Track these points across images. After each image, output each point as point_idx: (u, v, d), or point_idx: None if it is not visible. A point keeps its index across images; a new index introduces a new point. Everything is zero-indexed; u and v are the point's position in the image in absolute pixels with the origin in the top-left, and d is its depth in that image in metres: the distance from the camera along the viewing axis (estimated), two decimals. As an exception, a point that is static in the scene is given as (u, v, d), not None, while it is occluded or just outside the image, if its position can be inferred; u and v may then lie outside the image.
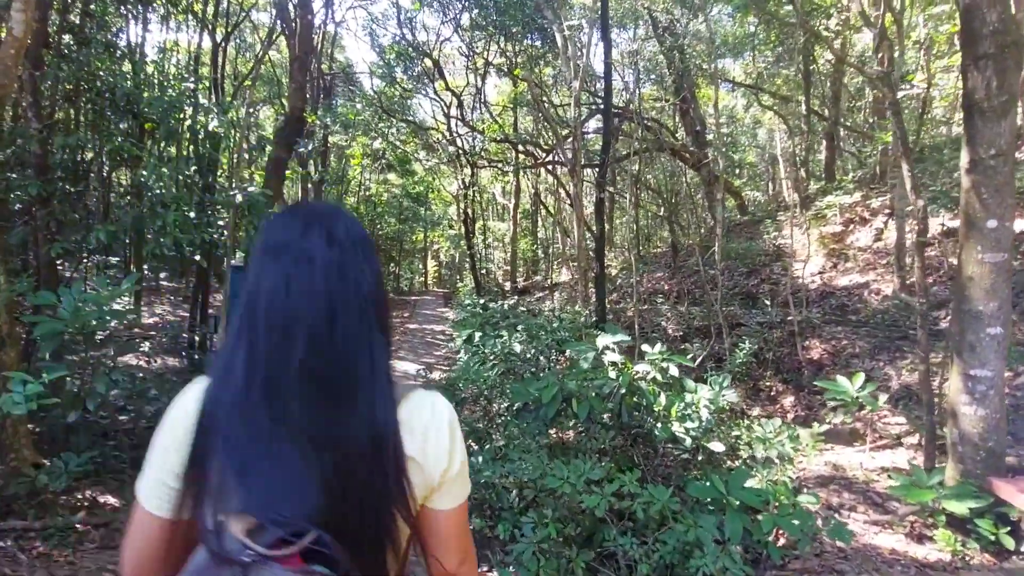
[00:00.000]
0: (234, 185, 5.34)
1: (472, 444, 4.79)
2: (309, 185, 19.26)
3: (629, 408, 3.61)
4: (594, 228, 8.24)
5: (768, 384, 6.55)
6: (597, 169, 10.33)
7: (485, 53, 16.95)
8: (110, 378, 4.02)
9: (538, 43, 15.96)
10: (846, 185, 9.48)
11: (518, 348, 4.97)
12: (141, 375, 7.46)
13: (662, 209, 19.07)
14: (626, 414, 3.59)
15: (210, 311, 10.87)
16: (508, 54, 16.83)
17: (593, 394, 3.73)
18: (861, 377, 4.19)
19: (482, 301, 8.18)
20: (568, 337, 5.55)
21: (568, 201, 20.57)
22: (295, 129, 6.72)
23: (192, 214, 5.20)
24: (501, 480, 3.35)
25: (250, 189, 5.46)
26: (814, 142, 17.41)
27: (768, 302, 7.41)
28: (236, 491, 0.61)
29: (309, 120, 7.44)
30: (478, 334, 5.39)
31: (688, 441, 3.45)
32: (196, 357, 7.37)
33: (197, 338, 7.96)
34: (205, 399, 0.69)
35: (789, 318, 6.98)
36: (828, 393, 4.32)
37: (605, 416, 3.79)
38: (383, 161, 25.37)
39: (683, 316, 9.04)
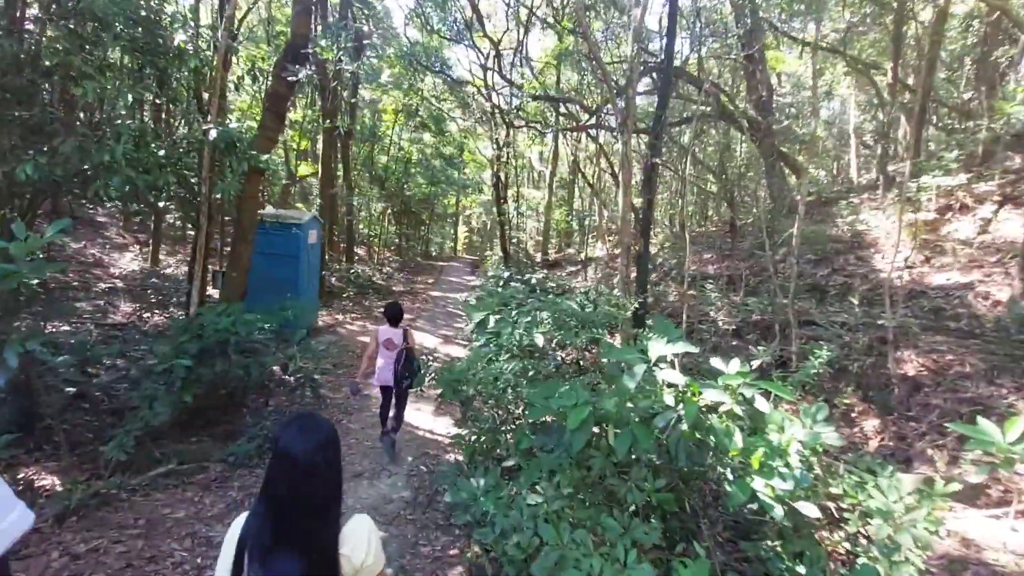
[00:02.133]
0: (208, 120, 4.35)
1: (477, 461, 3.84)
2: (337, 143, 18.31)
3: (689, 450, 2.54)
4: (640, 199, 7.01)
5: (846, 402, 5.34)
6: (648, 133, 9.04)
7: (530, 1, 15.43)
8: (23, 347, 3.19)
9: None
10: (947, 164, 7.88)
11: (540, 341, 3.94)
12: (97, 337, 6.76)
13: (710, 185, 17.47)
14: (684, 457, 2.52)
15: (210, 266, 10.13)
16: (555, 3, 15.29)
17: (637, 420, 2.67)
18: (1019, 425, 2.98)
19: (505, 275, 7.12)
20: (602, 330, 4.47)
21: (609, 170, 19.07)
22: (297, 59, 5.68)
23: (160, 152, 4.25)
24: (500, 546, 2.36)
25: (232, 125, 4.45)
26: (898, 117, 15.32)
27: (855, 300, 6.12)
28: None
29: (321, 53, 6.35)
30: (494, 318, 4.37)
31: (776, 508, 2.37)
32: (186, 314, 6.64)
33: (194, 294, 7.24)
34: (244, 527, 1.35)
35: (880, 321, 5.70)
36: (972, 442, 3.13)
37: (651, 454, 2.73)
38: (417, 119, 24.23)
39: (737, 307, 7.79)
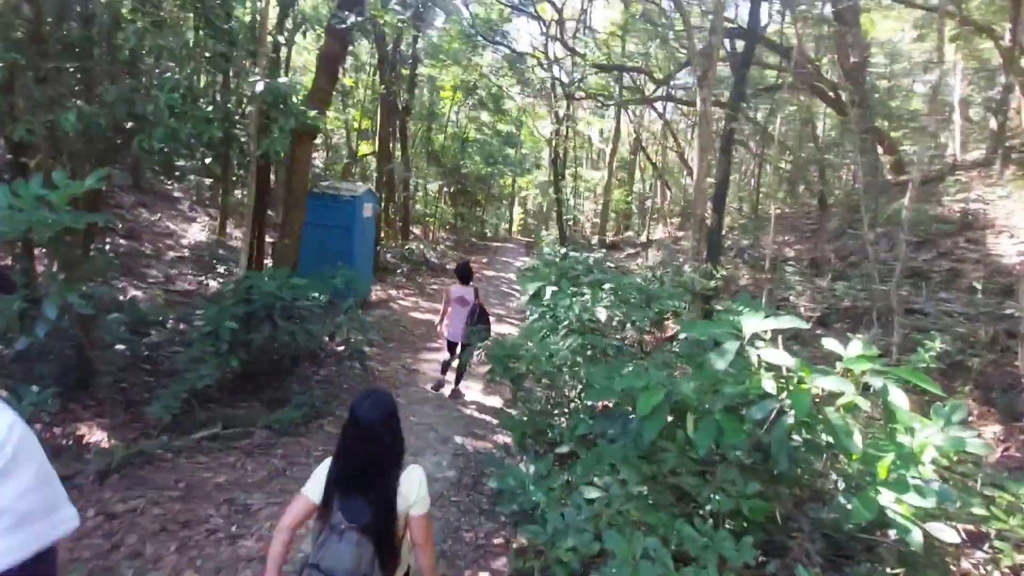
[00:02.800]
0: (256, 72, 4.12)
1: (527, 445, 3.47)
2: (396, 119, 18.24)
3: (793, 450, 2.02)
4: (715, 170, 6.32)
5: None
6: (724, 105, 8.19)
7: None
8: (63, 298, 3.09)
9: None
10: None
11: (603, 315, 3.48)
12: (163, 302, 6.87)
13: (786, 164, 16.05)
14: (785, 459, 2.01)
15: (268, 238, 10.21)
16: None
17: (722, 409, 2.18)
18: None
19: (563, 250, 6.67)
20: (678, 303, 3.94)
21: (675, 148, 18.04)
22: (349, 8, 5.40)
23: (208, 107, 4.08)
24: (553, 549, 1.97)
25: (281, 80, 4.21)
26: (1013, 85, 13.34)
27: (978, 285, 5.21)
28: (340, 509, 1.68)
29: (377, 16, 6.05)
30: (551, 289, 3.94)
31: (914, 531, 1.83)
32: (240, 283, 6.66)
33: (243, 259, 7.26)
34: (330, 469, 1.77)
35: (1009, 311, 4.80)
36: None
37: (738, 451, 2.24)
38: (475, 97, 23.87)
39: (823, 292, 6.96)
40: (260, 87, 4.04)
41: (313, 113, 4.73)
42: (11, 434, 0.78)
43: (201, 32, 4.25)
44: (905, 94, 19.11)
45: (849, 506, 1.93)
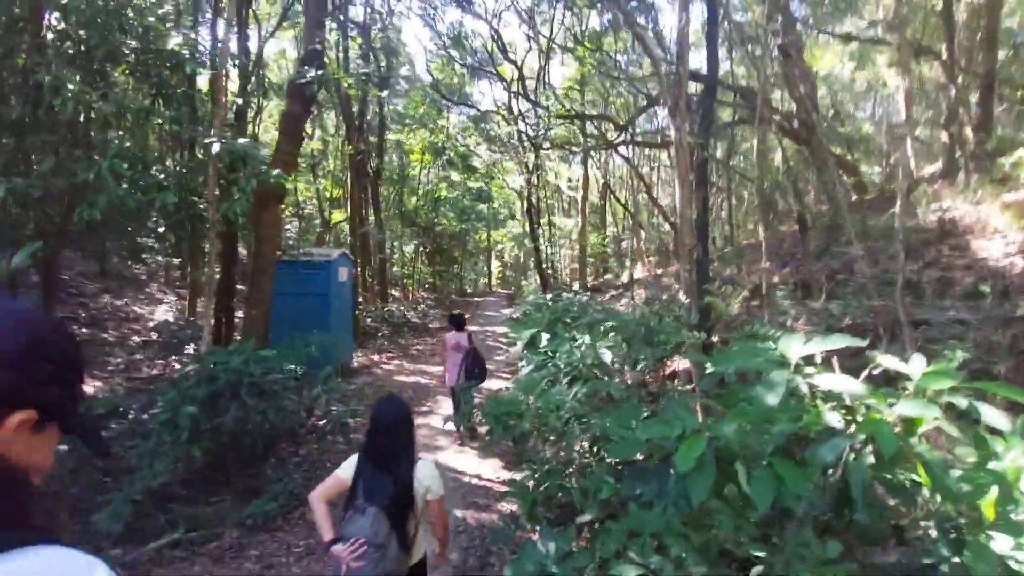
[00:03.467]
0: (213, 132, 3.87)
1: (538, 514, 3.02)
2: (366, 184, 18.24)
3: (872, 498, 1.66)
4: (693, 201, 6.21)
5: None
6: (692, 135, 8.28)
7: (549, 30, 15.23)
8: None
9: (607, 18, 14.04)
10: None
11: (608, 357, 3.13)
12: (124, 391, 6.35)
13: (749, 196, 16.45)
14: (864, 506, 1.64)
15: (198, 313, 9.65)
16: (574, 31, 15.02)
17: (773, 453, 1.82)
18: None
19: (548, 296, 6.39)
20: (682, 338, 3.63)
21: (644, 190, 18.36)
22: (310, 65, 5.28)
23: (163, 174, 3.78)
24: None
25: (240, 141, 3.96)
26: (959, 100, 14.05)
27: (986, 289, 5.06)
28: (364, 491, 2.06)
29: (344, 83, 5.97)
30: (545, 335, 3.60)
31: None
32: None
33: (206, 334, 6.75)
34: (359, 456, 2.17)
35: (1021, 313, 4.63)
36: None
37: (804, 503, 1.86)
38: (444, 158, 24.29)
39: (818, 313, 6.76)
40: (216, 148, 3.77)
41: (276, 172, 4.47)
42: None
43: (153, 99, 4.02)
44: (851, 121, 20.09)
45: (957, 560, 1.56)
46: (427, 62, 20.10)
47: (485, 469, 5.58)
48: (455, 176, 26.17)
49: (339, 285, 9.51)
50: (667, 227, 20.78)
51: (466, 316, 6.87)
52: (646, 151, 17.13)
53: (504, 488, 5.11)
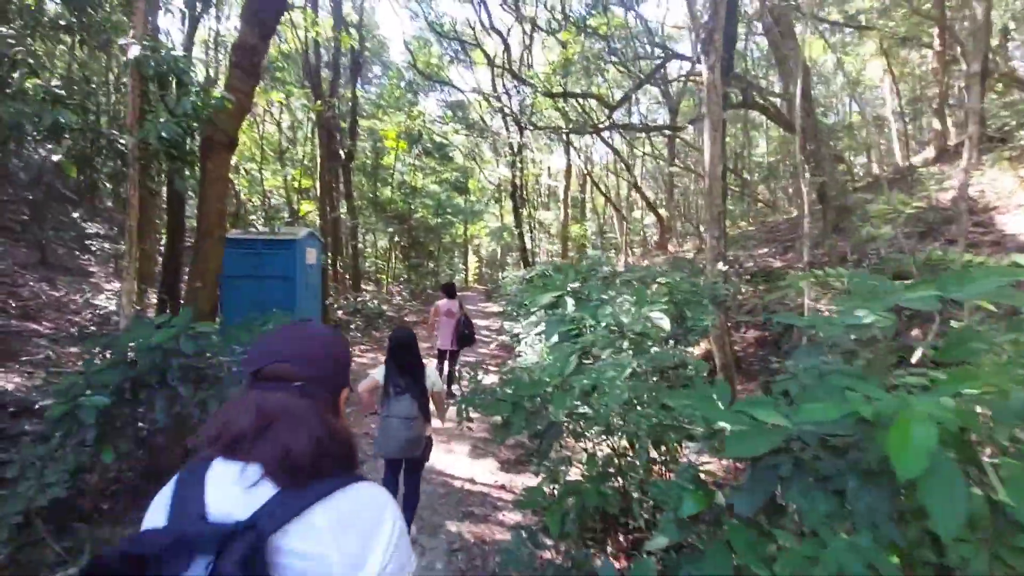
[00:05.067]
0: (132, 34, 2.91)
1: (575, 536, 2.22)
2: (339, 171, 17.06)
3: None
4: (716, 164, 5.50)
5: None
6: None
7: (533, 10, 14.41)
8: None
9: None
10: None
11: (666, 323, 2.32)
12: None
13: (735, 179, 16.01)
14: None
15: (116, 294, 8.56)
16: (555, 13, 14.26)
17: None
18: None
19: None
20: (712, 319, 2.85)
21: (629, 179, 17.77)
22: (256, 49, 4.34)
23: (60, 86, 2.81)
24: None
25: (166, 52, 3.01)
26: (950, 85, 13.84)
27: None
28: (392, 385, 3.11)
29: (308, 22, 5.01)
30: (571, 300, 2.77)
31: None
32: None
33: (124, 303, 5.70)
34: (387, 362, 3.22)
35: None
36: None
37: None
38: (420, 147, 23.26)
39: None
40: (134, 52, 2.81)
41: (218, 93, 3.50)
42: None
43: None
44: (833, 112, 19.95)
45: None
46: (404, 43, 19.03)
47: (479, 471, 4.73)
48: (432, 165, 25.21)
49: (307, 268, 8.50)
50: (651, 218, 20.28)
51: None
52: (631, 139, 16.49)
53: (504, 495, 4.28)
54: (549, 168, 23.85)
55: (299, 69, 15.86)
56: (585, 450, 2.62)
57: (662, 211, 17.60)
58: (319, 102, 10.96)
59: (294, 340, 0.97)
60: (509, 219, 32.90)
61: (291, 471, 0.81)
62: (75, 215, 12.93)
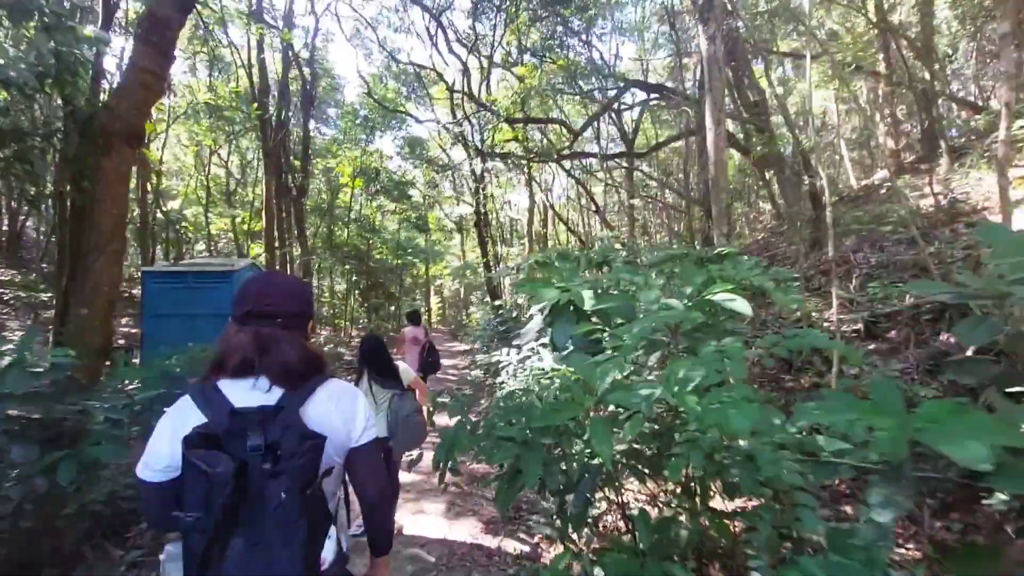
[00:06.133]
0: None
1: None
2: (288, 208, 15.99)
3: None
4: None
5: None
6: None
7: (491, 41, 14.20)
8: None
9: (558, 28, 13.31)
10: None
11: (746, 308, 1.56)
12: None
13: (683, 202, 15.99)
14: None
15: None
16: (511, 49, 14.11)
17: None
18: None
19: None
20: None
21: (593, 207, 17.45)
22: (172, 23, 3.55)
23: None
24: None
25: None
26: (896, 111, 14.31)
27: None
28: (376, 384, 3.49)
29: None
30: (588, 293, 1.97)
31: None
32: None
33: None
34: (363, 373, 3.51)
35: None
36: None
37: None
38: (377, 185, 22.50)
39: (852, 300, 5.61)
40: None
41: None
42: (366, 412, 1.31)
43: None
44: (785, 140, 20.55)
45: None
46: (359, 74, 18.50)
47: (458, 534, 3.73)
48: (389, 205, 24.38)
49: (247, 304, 7.38)
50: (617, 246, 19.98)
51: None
52: (589, 169, 16.27)
53: (493, 568, 3.28)
54: (510, 202, 23.50)
55: (248, 107, 14.99)
56: (621, 505, 1.77)
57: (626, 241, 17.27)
58: (256, 104, 10.08)
59: (273, 286, 1.30)
60: (472, 256, 32.32)
61: (291, 378, 1.18)
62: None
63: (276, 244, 12.18)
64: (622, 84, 12.10)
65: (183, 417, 1.10)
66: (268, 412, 1.08)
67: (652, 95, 11.47)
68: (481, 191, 13.29)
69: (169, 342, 6.27)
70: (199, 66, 18.53)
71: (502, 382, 5.07)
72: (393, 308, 27.34)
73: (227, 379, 1.16)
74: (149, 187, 14.00)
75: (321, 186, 23.36)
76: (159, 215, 16.38)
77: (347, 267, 19.02)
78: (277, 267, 12.05)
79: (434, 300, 36.29)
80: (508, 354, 4.82)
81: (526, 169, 15.91)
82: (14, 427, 2.05)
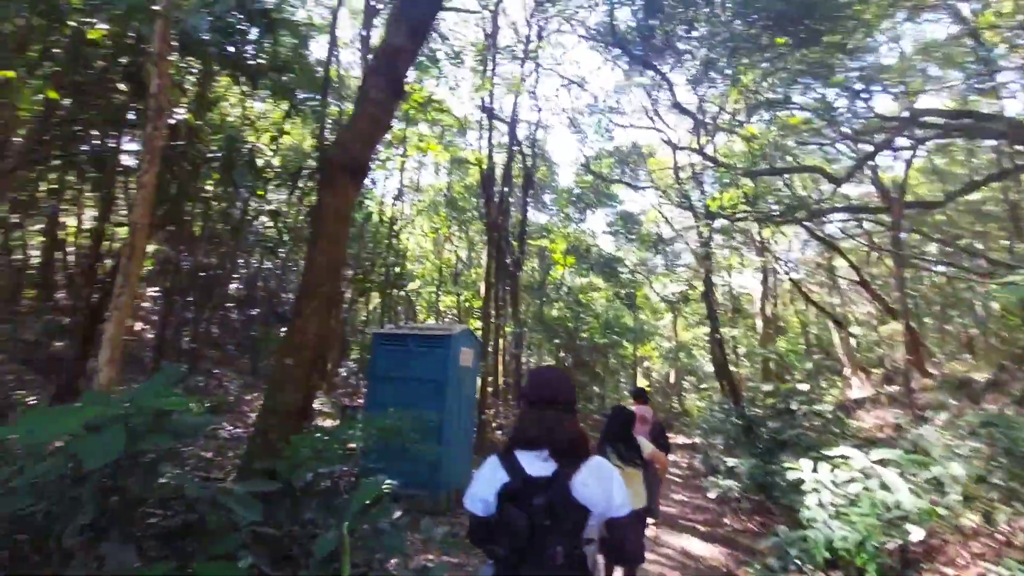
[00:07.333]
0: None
1: None
2: (502, 285, 16.63)
3: None
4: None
5: None
6: None
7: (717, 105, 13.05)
8: None
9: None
10: None
11: None
12: None
13: None
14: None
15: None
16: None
17: None
18: None
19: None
20: None
21: (856, 277, 14.00)
22: (402, 53, 3.32)
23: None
24: None
25: None
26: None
27: None
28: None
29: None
30: None
31: None
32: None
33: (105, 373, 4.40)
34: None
35: None
36: None
37: None
38: (588, 263, 22.42)
39: None
40: None
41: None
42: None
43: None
44: None
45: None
46: (579, 157, 19.06)
47: None
48: (599, 282, 23.95)
49: (460, 371, 6.99)
50: (886, 329, 15.61)
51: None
52: (860, 220, 13.08)
53: None
54: (732, 273, 20.81)
55: (479, 200, 16.55)
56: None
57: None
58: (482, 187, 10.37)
59: (554, 379, 1.76)
60: (685, 336, 29.38)
61: (565, 454, 1.57)
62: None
63: (492, 317, 12.26)
64: (907, 113, 9.43)
65: (494, 472, 1.61)
66: (548, 480, 1.52)
67: (953, 123, 8.64)
68: (711, 257, 11.56)
69: (386, 405, 6.09)
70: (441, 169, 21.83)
71: (806, 517, 3.29)
72: (596, 389, 25.92)
73: (520, 450, 1.61)
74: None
75: (535, 265, 24.28)
76: (402, 293, 18.69)
77: (556, 342, 18.57)
78: (491, 338, 12.03)
79: (642, 383, 33.82)
80: (814, 469, 3.12)
81: (758, 235, 13.69)
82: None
